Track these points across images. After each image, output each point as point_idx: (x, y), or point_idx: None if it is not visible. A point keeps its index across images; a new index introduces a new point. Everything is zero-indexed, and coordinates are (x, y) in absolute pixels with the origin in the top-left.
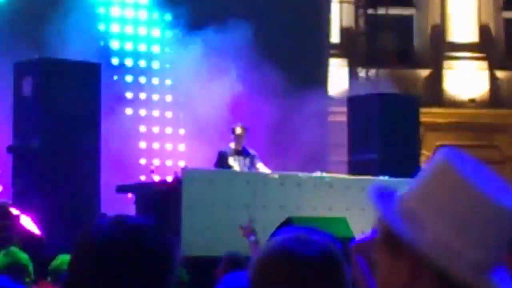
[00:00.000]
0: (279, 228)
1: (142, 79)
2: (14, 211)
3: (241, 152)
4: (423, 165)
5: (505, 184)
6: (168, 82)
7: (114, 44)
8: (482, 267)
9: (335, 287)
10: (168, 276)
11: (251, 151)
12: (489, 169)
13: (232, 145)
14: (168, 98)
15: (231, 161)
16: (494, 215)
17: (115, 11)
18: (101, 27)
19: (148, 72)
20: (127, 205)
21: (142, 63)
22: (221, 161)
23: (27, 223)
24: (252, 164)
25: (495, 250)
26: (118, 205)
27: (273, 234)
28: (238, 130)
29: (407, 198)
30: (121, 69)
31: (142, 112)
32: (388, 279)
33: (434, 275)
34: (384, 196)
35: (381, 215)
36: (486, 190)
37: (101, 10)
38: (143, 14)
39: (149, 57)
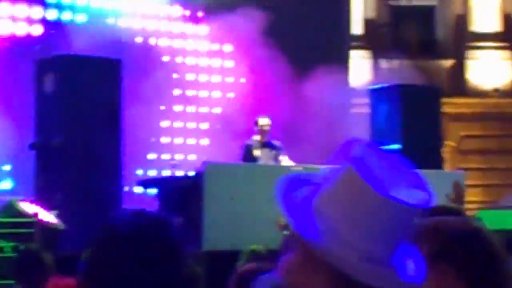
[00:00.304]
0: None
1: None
2: (33, 207)
3: (266, 144)
4: (446, 156)
5: (405, 176)
6: (190, 76)
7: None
8: (374, 258)
9: None
10: (178, 269)
11: (276, 143)
12: (391, 159)
13: (257, 137)
14: (191, 93)
15: (257, 153)
16: (383, 208)
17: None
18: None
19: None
20: (149, 200)
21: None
22: (247, 154)
23: (46, 216)
24: (277, 157)
25: (388, 242)
26: (140, 200)
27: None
28: (262, 122)
29: (316, 202)
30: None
31: (163, 107)
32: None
33: (331, 273)
34: (292, 199)
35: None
36: (380, 184)
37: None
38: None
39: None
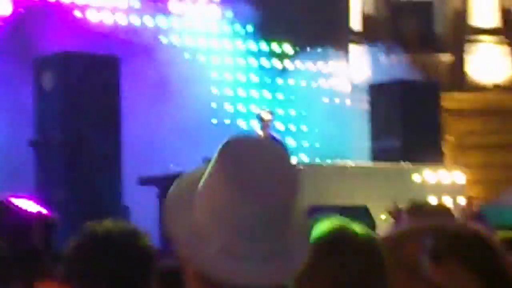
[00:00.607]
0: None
1: None
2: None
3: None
4: (445, 151)
5: (273, 172)
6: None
7: None
8: (229, 253)
9: None
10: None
11: (277, 137)
12: (266, 154)
13: (259, 131)
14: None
15: None
16: (243, 203)
17: None
18: None
19: None
20: (150, 198)
21: None
22: None
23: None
24: None
25: (251, 237)
26: (141, 198)
27: None
28: (265, 116)
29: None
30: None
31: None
32: None
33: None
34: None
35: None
36: (243, 179)
37: None
38: None
39: None
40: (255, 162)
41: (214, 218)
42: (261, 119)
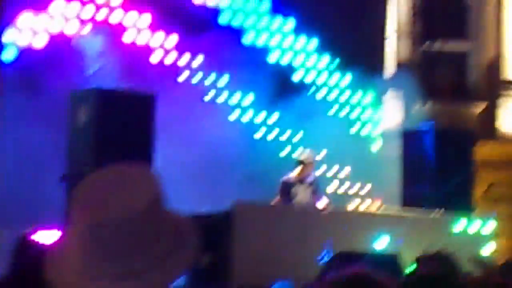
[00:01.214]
0: (330, 263)
1: None
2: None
3: (303, 180)
4: (476, 201)
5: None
6: None
7: None
8: (85, 273)
9: None
10: None
11: (316, 179)
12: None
13: (297, 172)
14: None
15: (294, 190)
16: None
17: None
18: None
19: None
20: None
21: None
22: (284, 190)
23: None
24: (313, 192)
25: (98, 256)
26: None
27: (324, 269)
28: (306, 159)
29: None
30: None
31: None
32: None
33: None
34: None
35: None
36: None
37: None
38: None
39: None
40: (101, 185)
41: (73, 240)
42: (301, 162)
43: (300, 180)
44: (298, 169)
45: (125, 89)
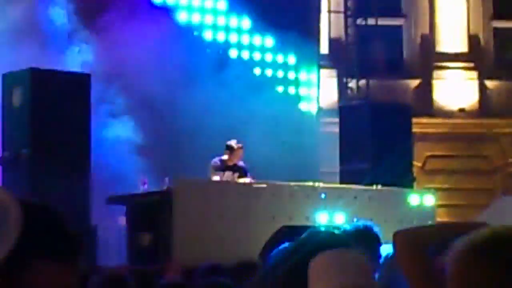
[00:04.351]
0: (272, 237)
1: None
2: None
3: (232, 167)
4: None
5: None
6: None
7: None
8: None
9: None
10: None
11: (244, 166)
12: None
13: (225, 158)
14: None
15: (216, 178)
16: None
17: None
18: None
19: None
20: (118, 216)
21: None
22: (213, 173)
23: None
24: (240, 177)
25: None
26: (109, 217)
27: (267, 245)
28: (235, 145)
29: None
30: None
31: None
32: None
33: None
34: None
35: None
36: None
37: None
38: None
39: None
40: None
41: None
42: (231, 148)
43: (228, 165)
44: (227, 154)
45: (59, 70)
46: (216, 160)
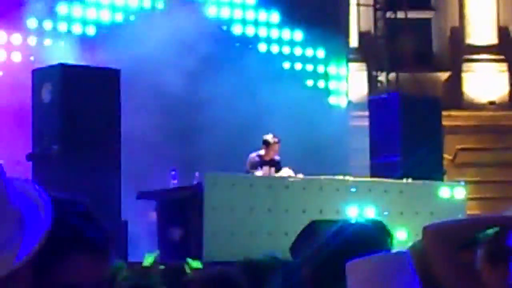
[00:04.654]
0: (302, 232)
1: None
2: None
3: (268, 162)
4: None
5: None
6: None
7: None
8: None
9: None
10: None
11: (276, 158)
12: None
13: (262, 153)
14: None
15: (259, 170)
16: None
17: None
18: None
19: None
20: (149, 211)
21: None
22: (250, 169)
23: None
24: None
25: None
26: (140, 212)
27: (297, 239)
28: (271, 140)
29: None
30: None
31: None
32: None
33: None
34: None
35: None
36: None
37: None
38: None
39: None
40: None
41: None
42: (267, 142)
43: (265, 160)
44: (263, 149)
45: (89, 65)
46: (253, 155)
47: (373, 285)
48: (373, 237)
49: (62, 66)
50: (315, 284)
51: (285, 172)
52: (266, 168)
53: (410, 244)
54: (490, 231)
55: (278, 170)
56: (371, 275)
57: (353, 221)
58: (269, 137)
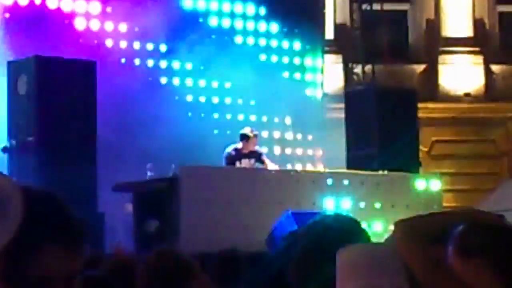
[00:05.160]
0: (279, 224)
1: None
2: None
3: (248, 155)
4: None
5: None
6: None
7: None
8: None
9: None
10: None
11: (261, 151)
12: None
13: (240, 146)
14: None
15: (238, 163)
16: None
17: None
18: None
19: None
20: (125, 203)
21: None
22: (229, 164)
23: None
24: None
25: None
26: (116, 204)
27: (274, 230)
28: (250, 133)
29: None
30: None
31: None
32: None
33: None
34: None
35: None
36: None
37: None
38: None
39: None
40: None
41: None
42: (246, 136)
43: (244, 153)
44: (242, 142)
45: (64, 57)
46: (230, 150)
47: (366, 271)
48: (351, 228)
49: (37, 58)
50: (295, 276)
51: (270, 165)
52: (246, 161)
53: (385, 236)
54: (462, 225)
55: (258, 161)
56: (363, 261)
57: (329, 213)
58: (247, 130)
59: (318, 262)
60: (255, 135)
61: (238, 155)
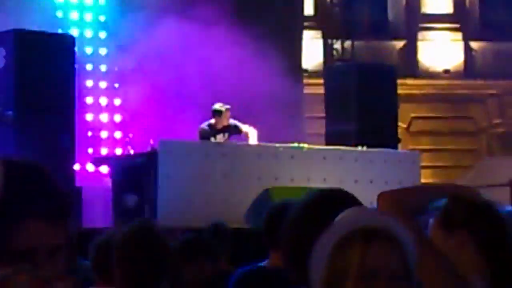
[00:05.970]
0: (258, 199)
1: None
2: None
3: (221, 130)
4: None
5: None
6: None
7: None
8: None
9: None
10: None
11: (237, 124)
12: None
13: (213, 122)
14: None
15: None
16: None
17: None
18: None
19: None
20: (103, 177)
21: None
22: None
23: None
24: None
25: None
26: (94, 178)
27: (252, 205)
28: (222, 108)
29: None
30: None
31: (103, 84)
32: None
33: None
34: None
35: None
36: None
37: None
38: None
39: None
40: None
41: None
42: (219, 111)
43: (218, 129)
44: (215, 118)
45: (43, 31)
46: (203, 126)
47: None
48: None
49: (15, 31)
50: (290, 256)
51: (250, 131)
52: (220, 136)
53: None
54: (445, 200)
55: (234, 132)
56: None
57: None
58: (219, 106)
59: (315, 221)
60: (227, 109)
61: (212, 130)
